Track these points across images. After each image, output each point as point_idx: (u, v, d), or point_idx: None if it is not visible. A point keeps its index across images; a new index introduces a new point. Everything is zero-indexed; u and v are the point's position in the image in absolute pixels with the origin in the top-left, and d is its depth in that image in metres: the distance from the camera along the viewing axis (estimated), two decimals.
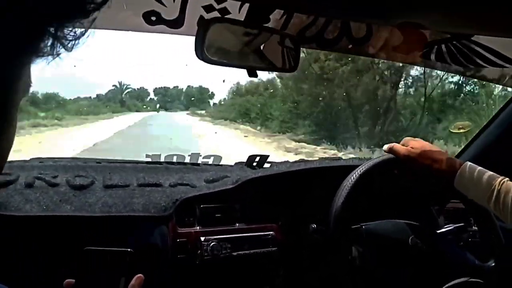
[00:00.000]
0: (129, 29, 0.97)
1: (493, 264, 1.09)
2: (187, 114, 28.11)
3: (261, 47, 0.83)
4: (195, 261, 1.15)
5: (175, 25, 0.92)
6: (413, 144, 1.07)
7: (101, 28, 0.94)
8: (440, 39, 0.99)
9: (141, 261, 1.10)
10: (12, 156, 0.47)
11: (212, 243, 1.15)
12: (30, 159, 1.38)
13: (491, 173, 0.96)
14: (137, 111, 28.72)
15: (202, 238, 1.16)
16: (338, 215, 1.01)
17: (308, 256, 1.23)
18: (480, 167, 0.98)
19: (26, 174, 1.16)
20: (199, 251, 1.15)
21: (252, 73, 0.82)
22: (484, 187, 0.94)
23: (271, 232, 1.25)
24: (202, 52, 0.72)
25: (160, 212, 1.14)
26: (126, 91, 33.36)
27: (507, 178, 0.95)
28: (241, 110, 17.57)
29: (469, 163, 0.99)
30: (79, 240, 1.07)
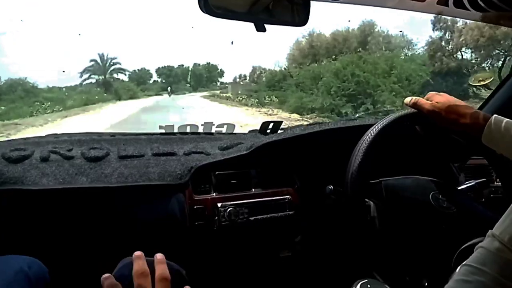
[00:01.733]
0: None
1: None
2: (202, 97, 25.54)
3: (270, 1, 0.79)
4: (213, 227, 1.15)
5: None
6: (438, 99, 1.02)
7: None
8: None
9: (160, 229, 1.13)
10: None
11: (229, 209, 1.15)
12: (46, 135, 1.39)
13: None
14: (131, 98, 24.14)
15: (219, 204, 1.16)
16: (355, 174, 0.98)
17: (326, 218, 1.22)
18: (507, 119, 0.93)
19: (41, 149, 1.16)
20: (216, 217, 1.15)
21: (260, 28, 0.79)
22: None
23: (288, 196, 1.24)
24: (206, 3, 0.69)
25: (176, 180, 1.14)
26: (112, 67, 26.71)
27: None
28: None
29: (496, 115, 0.94)
30: (97, 211, 1.09)
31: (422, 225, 1.01)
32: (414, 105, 1.05)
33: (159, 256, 0.74)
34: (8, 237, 1.03)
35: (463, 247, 0.97)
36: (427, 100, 1.04)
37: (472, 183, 1.18)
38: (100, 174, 1.12)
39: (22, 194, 1.03)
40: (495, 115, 0.94)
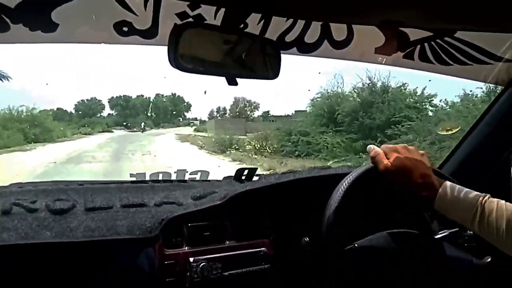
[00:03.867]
0: (102, 41, 0.93)
1: (489, 260, 1.11)
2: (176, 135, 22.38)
3: (240, 54, 0.80)
4: (185, 284, 1.10)
5: (148, 35, 0.89)
6: (393, 157, 1.00)
7: (71, 41, 0.91)
8: (422, 38, 0.98)
9: (129, 286, 1.06)
10: None
11: (202, 264, 1.10)
12: (9, 184, 1.33)
13: (473, 192, 0.92)
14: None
15: (191, 259, 1.11)
16: (330, 229, 0.98)
17: (303, 270, 1.18)
18: (459, 186, 0.94)
19: (3, 200, 1.11)
20: (188, 273, 1.10)
21: (232, 82, 0.79)
22: (466, 208, 0.90)
23: (263, 248, 1.20)
24: (176, 59, 0.68)
25: (145, 234, 1.09)
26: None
27: (488, 195, 0.91)
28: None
29: (449, 182, 0.94)
30: (62, 267, 1.03)
31: (400, 277, 1.01)
32: (372, 159, 1.04)
33: None
34: None
35: None
36: (386, 154, 1.03)
37: (445, 232, 1.18)
38: (65, 228, 1.06)
39: None
40: (448, 182, 0.94)
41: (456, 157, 1.50)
